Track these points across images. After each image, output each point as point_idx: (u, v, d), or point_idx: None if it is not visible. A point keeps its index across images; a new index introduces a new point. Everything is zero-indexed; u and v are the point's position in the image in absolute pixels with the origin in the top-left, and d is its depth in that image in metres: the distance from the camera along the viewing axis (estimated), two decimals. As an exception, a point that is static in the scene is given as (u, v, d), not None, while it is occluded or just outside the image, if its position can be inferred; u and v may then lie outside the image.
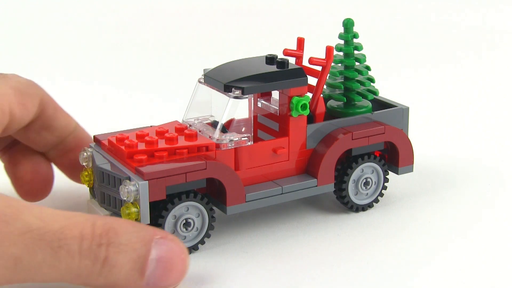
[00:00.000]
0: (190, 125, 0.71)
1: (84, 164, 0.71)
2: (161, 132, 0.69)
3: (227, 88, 0.68)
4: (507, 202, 0.78)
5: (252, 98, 0.72)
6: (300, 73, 0.70)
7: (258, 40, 1.31)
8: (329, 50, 0.72)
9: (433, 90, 1.14)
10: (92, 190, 0.71)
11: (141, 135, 0.69)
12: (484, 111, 1.05)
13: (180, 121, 0.73)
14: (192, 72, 0.84)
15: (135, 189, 0.63)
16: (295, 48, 0.76)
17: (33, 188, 0.73)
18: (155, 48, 1.33)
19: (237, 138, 0.69)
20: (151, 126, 0.73)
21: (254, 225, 0.73)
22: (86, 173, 0.70)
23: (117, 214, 0.66)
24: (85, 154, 0.70)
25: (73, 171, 0.74)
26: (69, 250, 0.54)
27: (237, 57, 0.75)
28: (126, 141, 0.67)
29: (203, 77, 0.72)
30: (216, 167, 0.66)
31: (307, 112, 0.71)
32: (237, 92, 0.68)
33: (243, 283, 0.64)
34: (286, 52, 0.76)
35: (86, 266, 0.55)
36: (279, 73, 0.70)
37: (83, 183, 0.71)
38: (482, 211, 0.76)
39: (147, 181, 0.63)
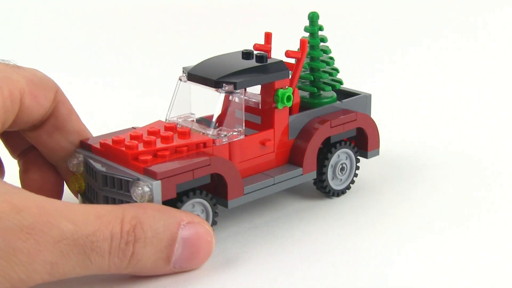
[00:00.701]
0: (177, 124, 0.71)
1: (74, 170, 0.69)
2: (153, 132, 0.69)
3: (218, 84, 0.69)
4: (479, 183, 0.82)
5: (243, 93, 0.72)
6: (282, 66, 0.72)
7: (221, 36, 1.31)
8: (303, 42, 0.75)
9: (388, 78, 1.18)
10: (84, 195, 0.70)
11: (135, 136, 0.68)
12: (445, 97, 1.10)
13: (163, 120, 0.73)
14: (149, 71, 0.84)
15: (148, 190, 0.63)
16: (262, 43, 0.78)
17: None
18: (121, 47, 1.29)
19: (230, 133, 0.70)
20: (133, 128, 0.73)
21: (254, 225, 0.73)
22: (76, 179, 0.69)
23: (123, 217, 0.65)
24: (75, 160, 0.69)
25: None
26: (99, 252, 0.58)
27: (204, 53, 0.76)
28: (127, 143, 0.66)
29: (184, 75, 0.73)
30: (219, 162, 0.67)
31: (290, 103, 0.73)
32: (229, 87, 0.69)
33: (243, 283, 0.64)
34: (256, 47, 0.77)
35: (115, 263, 0.59)
36: (264, 67, 0.71)
37: (72, 189, 0.70)
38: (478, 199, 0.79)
39: (159, 181, 0.63)
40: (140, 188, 0.63)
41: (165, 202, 0.64)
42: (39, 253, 0.55)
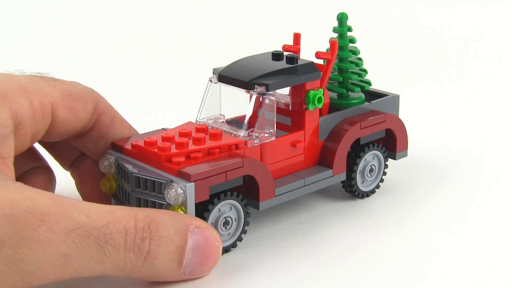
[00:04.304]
0: (208, 125, 0.71)
1: (105, 171, 0.69)
2: (184, 133, 0.69)
3: (249, 86, 0.69)
4: (499, 190, 0.81)
5: (276, 94, 0.72)
6: (313, 67, 0.72)
7: (250, 37, 1.30)
8: (333, 43, 0.75)
9: (417, 79, 1.18)
10: (115, 197, 0.70)
11: (167, 137, 0.68)
12: (470, 99, 1.10)
13: (193, 121, 0.73)
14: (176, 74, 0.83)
15: (182, 192, 0.63)
16: (290, 44, 0.78)
17: None
18: (144, 52, 1.29)
19: (261, 135, 0.70)
20: (162, 129, 0.73)
21: (253, 226, 0.73)
22: (107, 180, 0.69)
23: (155, 218, 0.65)
24: (106, 161, 0.69)
25: None
26: (114, 245, 0.57)
27: (231, 55, 0.75)
28: (159, 144, 0.66)
29: (215, 76, 0.73)
30: (251, 164, 0.67)
31: (321, 105, 0.73)
32: (261, 89, 0.69)
33: (243, 284, 0.64)
34: (285, 48, 0.77)
35: (131, 259, 0.58)
36: (295, 68, 0.71)
37: (104, 190, 0.70)
38: (481, 201, 0.79)
39: (193, 183, 0.63)
40: (173, 190, 0.63)
41: (197, 204, 0.65)
42: (51, 243, 0.54)
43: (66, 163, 0.74)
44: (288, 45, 0.77)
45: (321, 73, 0.73)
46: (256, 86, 0.69)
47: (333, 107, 0.78)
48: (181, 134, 0.69)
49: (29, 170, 0.70)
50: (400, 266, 0.66)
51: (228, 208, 0.67)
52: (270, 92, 0.69)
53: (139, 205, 0.66)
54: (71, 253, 0.55)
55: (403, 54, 1.30)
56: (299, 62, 0.72)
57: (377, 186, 0.79)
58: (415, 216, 0.75)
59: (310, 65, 0.72)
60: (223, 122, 0.73)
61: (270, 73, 0.70)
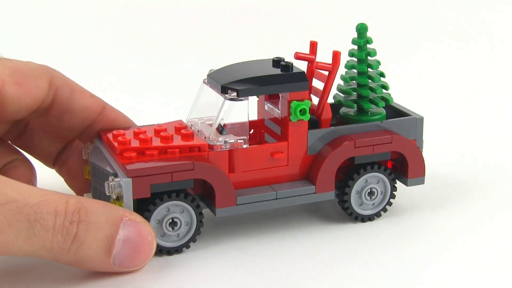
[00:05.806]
0: (191, 125, 0.71)
1: (86, 158, 0.72)
2: (159, 130, 0.70)
3: (224, 90, 0.68)
4: None
5: (247, 101, 0.70)
6: (301, 77, 0.69)
7: (271, 43, 1.29)
8: (335, 55, 0.71)
9: (451, 97, 1.11)
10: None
11: (137, 132, 0.69)
12: (502, 120, 1.02)
13: (185, 120, 0.73)
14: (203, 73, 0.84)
15: (118, 185, 0.64)
16: (307, 52, 0.75)
17: None
18: (167, 46, 1.33)
19: (233, 140, 0.68)
20: (154, 124, 0.74)
21: (254, 226, 0.72)
22: (88, 168, 0.72)
23: (106, 209, 0.67)
24: (87, 149, 0.72)
25: None
26: (44, 224, 0.58)
27: (248, 59, 0.74)
28: (120, 138, 0.68)
29: (207, 77, 0.72)
30: (204, 168, 0.66)
31: (307, 117, 0.69)
32: (233, 94, 0.68)
33: (243, 283, 0.63)
34: (298, 56, 0.74)
35: (58, 242, 0.59)
36: (279, 76, 0.69)
37: (86, 177, 0.73)
38: (491, 224, 0.73)
39: (130, 178, 0.64)
40: (111, 183, 0.64)
41: (144, 201, 0.65)
42: None
43: (48, 161, 0.76)
44: (301, 53, 0.74)
45: (308, 83, 0.69)
46: (229, 90, 0.68)
47: (349, 123, 0.74)
48: (155, 131, 0.70)
49: (7, 163, 0.73)
50: (400, 266, 0.65)
51: (178, 209, 0.67)
52: (242, 98, 0.68)
53: (94, 193, 0.69)
54: (0, 227, 0.56)
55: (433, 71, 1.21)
56: (293, 70, 0.69)
57: (384, 210, 0.74)
58: (416, 219, 0.74)
59: (299, 75, 0.69)
60: (210, 124, 0.72)
61: (249, 79, 0.68)
